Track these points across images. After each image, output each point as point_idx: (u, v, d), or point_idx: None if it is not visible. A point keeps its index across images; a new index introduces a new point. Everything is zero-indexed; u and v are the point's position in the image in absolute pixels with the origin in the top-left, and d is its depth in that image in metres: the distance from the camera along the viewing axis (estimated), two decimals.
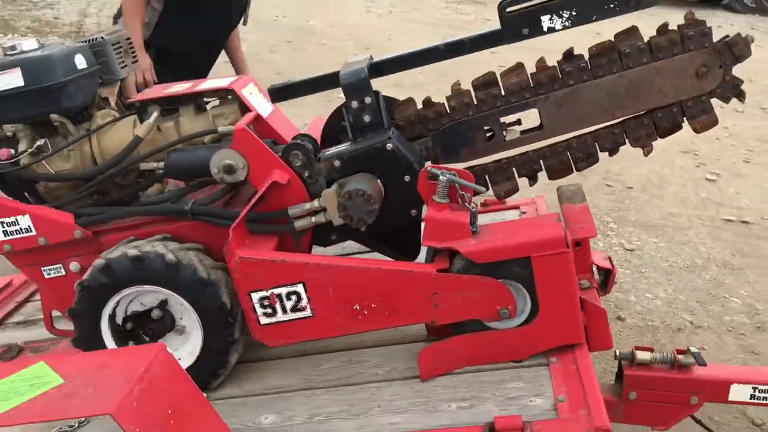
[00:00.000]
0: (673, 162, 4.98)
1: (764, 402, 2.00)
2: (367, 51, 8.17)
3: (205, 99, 1.97)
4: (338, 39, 8.80)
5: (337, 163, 1.76)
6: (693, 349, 1.96)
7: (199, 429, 1.38)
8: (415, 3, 11.83)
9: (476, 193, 1.70)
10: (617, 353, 1.95)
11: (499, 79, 1.85)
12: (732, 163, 5.03)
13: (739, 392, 2.01)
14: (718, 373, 2.03)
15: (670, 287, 3.37)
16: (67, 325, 2.07)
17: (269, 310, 1.71)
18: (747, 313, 3.17)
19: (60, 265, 1.91)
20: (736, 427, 2.51)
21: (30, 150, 1.88)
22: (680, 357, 1.92)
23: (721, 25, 11.18)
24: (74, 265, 1.90)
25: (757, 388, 1.98)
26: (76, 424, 1.75)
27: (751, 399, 2.01)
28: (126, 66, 2.13)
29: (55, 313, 2.09)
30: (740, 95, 1.83)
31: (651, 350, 1.95)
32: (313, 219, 1.76)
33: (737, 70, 1.83)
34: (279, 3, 10.83)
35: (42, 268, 1.93)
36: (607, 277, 2.08)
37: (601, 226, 3.92)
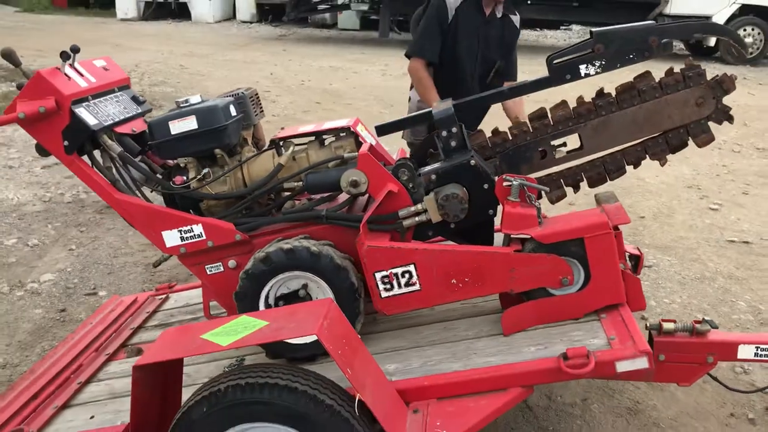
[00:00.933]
0: (680, 196, 5.59)
1: (766, 359, 2.53)
2: (392, 108, 8.93)
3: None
4: (362, 100, 9.54)
5: (433, 176, 2.37)
6: (707, 318, 2.52)
7: (360, 357, 1.95)
8: None
9: (539, 194, 2.31)
10: (647, 324, 2.50)
11: (549, 113, 2.48)
12: (732, 195, 5.64)
13: (745, 351, 2.50)
14: (728, 336, 2.56)
15: (684, 294, 3.93)
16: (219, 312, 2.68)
17: (388, 286, 2.30)
18: (752, 312, 3.72)
19: (220, 263, 2.51)
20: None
21: (198, 177, 2.51)
22: (697, 325, 2.44)
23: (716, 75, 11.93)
24: (231, 263, 2.49)
25: (759, 347, 2.48)
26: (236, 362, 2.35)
27: (755, 356, 2.51)
28: (257, 114, 2.77)
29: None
30: (730, 119, 2.45)
31: (674, 321, 2.49)
32: (417, 219, 2.35)
33: (727, 101, 2.45)
34: (301, 70, 11.71)
35: (206, 266, 2.52)
36: (637, 262, 2.66)
37: None
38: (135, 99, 2.77)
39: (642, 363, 2.00)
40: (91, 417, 2.44)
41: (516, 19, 3.57)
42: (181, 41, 15.03)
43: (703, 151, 6.74)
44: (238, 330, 1.92)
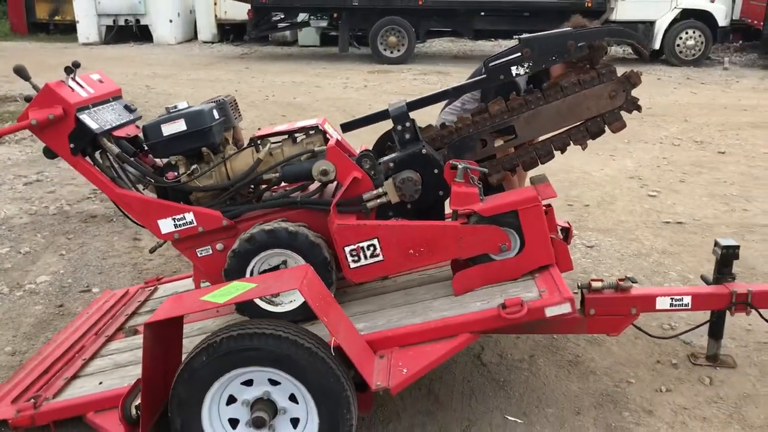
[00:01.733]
0: (622, 185, 6.10)
1: (679, 308, 2.94)
2: (353, 118, 9.36)
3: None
4: (326, 111, 9.94)
5: (391, 164, 2.79)
6: (629, 276, 2.97)
7: (334, 311, 2.34)
8: (385, 77, 13.19)
9: (481, 175, 2.73)
10: (579, 284, 2.93)
11: (488, 107, 2.91)
12: (670, 183, 6.19)
13: (662, 302, 2.92)
14: (648, 291, 3.02)
15: (623, 268, 4.38)
16: None
17: (356, 258, 2.70)
18: (681, 281, 4.18)
19: (209, 246, 2.88)
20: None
21: (188, 172, 2.89)
22: (621, 282, 2.87)
23: (661, 77, 12.88)
24: (219, 245, 2.87)
25: (673, 298, 2.91)
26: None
27: (670, 306, 2.92)
28: (236, 118, 3.16)
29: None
30: (638, 108, 2.91)
31: (601, 280, 2.92)
32: (378, 200, 2.76)
33: (636, 93, 2.91)
34: (264, 86, 12.09)
35: (196, 250, 2.89)
36: (567, 233, 3.10)
37: None
38: (127, 107, 3.15)
39: (566, 308, 2.42)
40: (100, 383, 2.79)
41: None
42: (145, 63, 15.28)
43: (645, 146, 7.39)
44: (232, 291, 2.31)
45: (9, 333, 3.54)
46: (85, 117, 2.79)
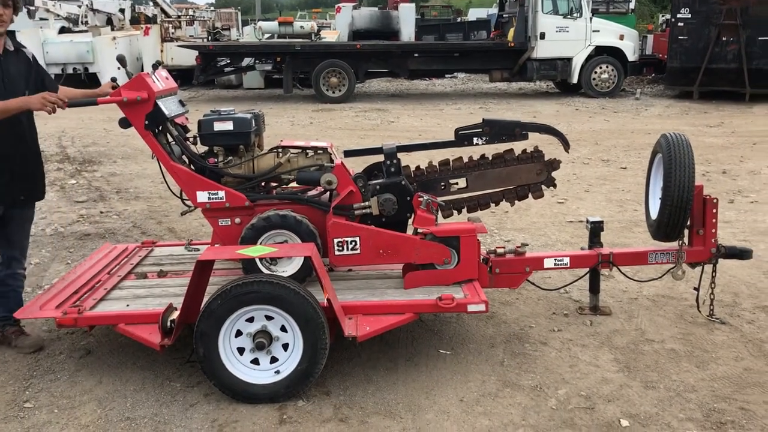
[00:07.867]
0: None
1: (561, 266, 4.05)
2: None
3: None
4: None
5: (377, 187, 3.82)
6: (524, 243, 4.08)
7: (327, 277, 3.33)
8: (329, 114, 14.31)
9: (439, 207, 3.81)
10: (487, 250, 4.02)
11: (450, 162, 4.01)
12: (576, 192, 7.58)
13: (548, 262, 4.04)
14: (537, 254, 4.21)
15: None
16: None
17: (341, 248, 3.70)
18: None
19: (229, 219, 3.81)
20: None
21: (225, 161, 3.83)
22: (518, 248, 4.02)
23: (579, 107, 14.84)
24: (237, 220, 3.80)
25: (556, 259, 4.04)
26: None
27: (554, 265, 4.04)
28: (263, 128, 4.13)
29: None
30: (554, 186, 4.08)
31: (504, 247, 4.04)
32: (363, 211, 3.77)
33: (555, 174, 4.07)
34: None
35: (219, 220, 3.81)
36: (487, 260, 4.20)
37: (489, 231, 6.07)
38: (180, 102, 4.07)
39: (482, 307, 3.49)
40: (127, 305, 3.63)
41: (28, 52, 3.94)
42: (96, 109, 15.43)
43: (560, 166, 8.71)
44: (260, 250, 3.27)
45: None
46: (161, 104, 3.70)
